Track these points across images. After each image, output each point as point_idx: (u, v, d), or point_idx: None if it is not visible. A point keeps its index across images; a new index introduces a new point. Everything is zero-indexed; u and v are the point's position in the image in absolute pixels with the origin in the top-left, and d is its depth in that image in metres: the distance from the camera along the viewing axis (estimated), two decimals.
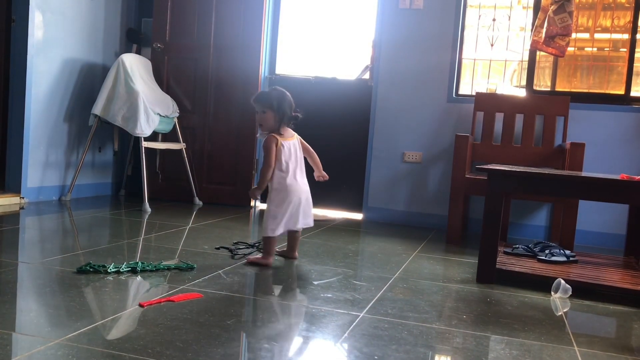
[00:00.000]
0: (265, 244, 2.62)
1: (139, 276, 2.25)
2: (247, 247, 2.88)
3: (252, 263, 2.60)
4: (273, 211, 2.59)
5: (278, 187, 2.59)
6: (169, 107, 4.28)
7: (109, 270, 2.24)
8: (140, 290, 2.13)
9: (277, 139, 2.59)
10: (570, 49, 3.93)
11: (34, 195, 3.95)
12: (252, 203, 4.49)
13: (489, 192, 2.55)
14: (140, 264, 2.34)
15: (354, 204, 4.48)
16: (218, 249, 2.86)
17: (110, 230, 3.36)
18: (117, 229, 3.40)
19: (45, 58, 3.95)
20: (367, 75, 4.47)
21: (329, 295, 2.17)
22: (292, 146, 2.64)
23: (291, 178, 2.60)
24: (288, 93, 2.65)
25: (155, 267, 2.35)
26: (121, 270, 2.27)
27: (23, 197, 3.84)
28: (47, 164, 4.06)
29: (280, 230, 2.59)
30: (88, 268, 2.24)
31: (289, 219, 2.60)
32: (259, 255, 2.66)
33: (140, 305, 1.87)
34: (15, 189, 3.84)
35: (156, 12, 4.51)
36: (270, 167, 2.57)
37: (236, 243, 2.89)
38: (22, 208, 3.71)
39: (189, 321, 1.76)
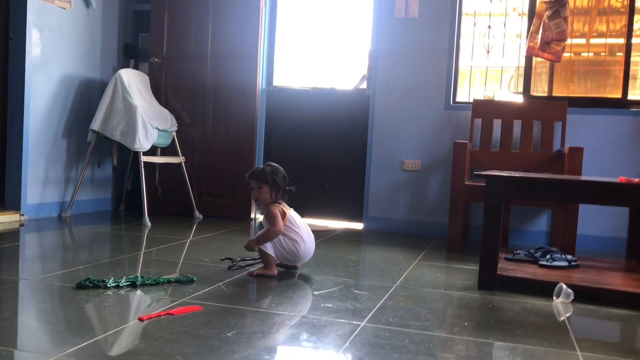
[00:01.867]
0: (264, 256, 2.62)
1: (138, 290, 2.24)
2: (252, 260, 2.86)
3: (257, 275, 2.59)
4: (276, 242, 2.62)
5: (290, 254, 2.63)
6: (167, 121, 4.29)
7: (108, 285, 2.24)
8: (141, 304, 2.12)
9: (280, 207, 2.64)
10: (566, 54, 3.94)
11: (34, 211, 3.95)
12: (252, 215, 4.48)
13: (489, 199, 2.55)
14: (139, 278, 2.33)
15: (354, 214, 4.48)
16: (223, 259, 2.86)
17: (111, 245, 3.36)
18: (117, 244, 3.40)
19: (43, 75, 3.97)
20: (364, 85, 4.49)
21: (330, 305, 2.17)
22: (295, 214, 2.70)
23: (305, 243, 2.64)
24: (281, 168, 2.72)
25: (155, 280, 2.34)
26: (121, 284, 2.26)
27: (23, 214, 3.84)
28: (46, 180, 4.06)
29: (278, 256, 2.63)
30: (87, 283, 2.23)
31: (285, 258, 2.66)
32: (261, 268, 2.65)
33: (140, 320, 1.86)
34: (15, 206, 3.84)
35: (153, 27, 4.53)
36: (279, 228, 2.58)
37: (243, 259, 2.87)
38: (22, 225, 3.71)
39: (189, 334, 1.75)
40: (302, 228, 2.67)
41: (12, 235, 3.39)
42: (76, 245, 3.29)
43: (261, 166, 2.75)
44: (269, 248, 2.61)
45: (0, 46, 4.38)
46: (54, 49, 4.05)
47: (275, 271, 2.62)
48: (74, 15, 4.21)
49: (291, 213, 2.67)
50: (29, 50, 3.81)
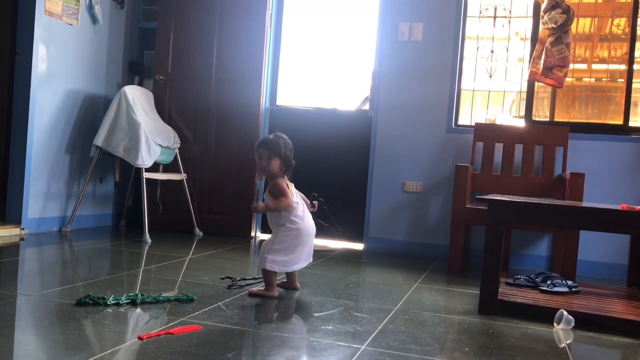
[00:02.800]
0: (265, 276, 2.61)
1: (138, 308, 2.23)
2: (252, 280, 2.85)
3: (256, 295, 2.58)
4: (276, 248, 2.58)
5: (291, 228, 2.59)
6: (170, 138, 4.30)
7: (108, 302, 2.23)
8: (140, 322, 2.11)
9: (285, 181, 2.60)
10: (568, 80, 3.97)
11: (35, 226, 3.95)
12: (253, 233, 4.47)
13: (490, 222, 2.55)
14: (139, 295, 2.32)
15: (355, 234, 4.47)
16: (223, 278, 2.85)
17: (111, 261, 3.35)
18: (117, 260, 3.39)
19: (48, 90, 3.99)
20: (367, 106, 4.51)
21: (330, 327, 2.16)
22: (297, 192, 2.67)
23: (304, 221, 2.62)
24: (289, 140, 2.66)
25: (154, 299, 2.34)
26: (121, 302, 2.25)
27: (23, 228, 3.84)
28: (48, 194, 4.07)
29: (276, 267, 2.58)
30: (87, 300, 2.22)
31: (290, 261, 2.61)
32: (262, 288, 2.64)
33: (140, 338, 1.86)
34: (16, 220, 3.84)
35: (158, 45, 4.57)
36: (290, 201, 2.54)
37: (243, 279, 2.86)
38: (22, 239, 3.70)
39: (188, 354, 1.74)
40: (300, 205, 2.62)
41: (12, 250, 3.38)
42: (76, 261, 3.28)
43: (271, 135, 2.65)
44: (272, 261, 2.56)
45: (7, 60, 4.40)
46: (59, 64, 4.08)
47: (275, 292, 2.60)
48: (80, 32, 4.25)
49: (293, 190, 2.63)
50: (35, 65, 3.84)
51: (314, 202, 2.76)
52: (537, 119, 4.12)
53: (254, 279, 2.86)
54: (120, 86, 4.53)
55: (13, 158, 3.89)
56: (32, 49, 3.82)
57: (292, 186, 2.63)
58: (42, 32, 3.89)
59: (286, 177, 2.63)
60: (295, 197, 2.63)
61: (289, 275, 2.73)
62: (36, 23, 3.82)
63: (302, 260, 2.65)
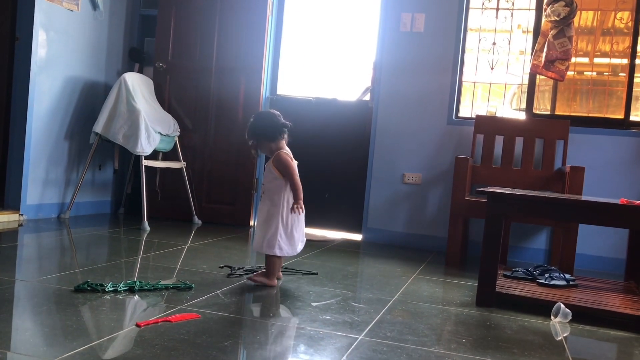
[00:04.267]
0: (270, 263, 2.57)
1: (136, 295, 2.24)
2: (251, 268, 2.85)
3: (255, 281, 2.56)
4: (284, 229, 2.54)
5: (286, 208, 2.55)
6: (170, 126, 4.29)
7: (106, 289, 2.23)
8: (138, 309, 2.11)
9: (288, 154, 2.58)
10: (569, 73, 3.96)
11: (33, 212, 3.95)
12: (252, 222, 4.48)
13: (489, 215, 2.55)
14: (138, 283, 2.33)
15: (353, 225, 4.47)
16: (222, 267, 2.85)
17: (109, 248, 3.35)
18: (115, 248, 3.39)
19: (48, 76, 3.97)
20: (367, 97, 4.50)
21: (328, 317, 2.16)
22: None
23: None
24: (270, 112, 2.63)
25: (153, 286, 2.34)
26: (119, 289, 2.25)
27: (22, 214, 3.84)
28: (47, 181, 4.06)
29: (289, 250, 2.55)
30: (86, 287, 2.22)
31: (296, 241, 2.58)
32: (262, 274, 2.61)
33: (137, 325, 1.86)
34: (15, 206, 3.83)
35: (159, 32, 4.55)
36: (296, 172, 2.54)
37: (242, 267, 2.85)
38: (20, 225, 3.70)
39: (186, 342, 1.74)
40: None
41: (10, 236, 3.38)
42: (74, 248, 3.28)
43: (251, 120, 2.62)
44: (279, 246, 2.53)
45: (6, 46, 4.38)
46: (59, 51, 4.06)
47: (275, 282, 2.59)
48: (81, 18, 4.23)
49: (294, 165, 2.60)
50: (34, 51, 3.82)
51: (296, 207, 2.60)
52: (538, 112, 4.11)
53: (253, 268, 2.86)
54: (120, 73, 4.52)
55: (12, 144, 3.88)
56: (32, 35, 3.80)
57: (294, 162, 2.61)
58: (42, 18, 3.87)
59: (284, 146, 2.59)
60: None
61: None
62: (36, 8, 3.80)
63: (301, 241, 2.63)
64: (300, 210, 2.54)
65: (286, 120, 2.60)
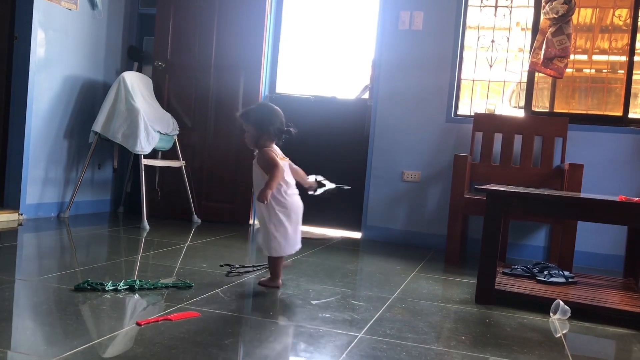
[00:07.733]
0: (272, 265, 2.55)
1: (136, 294, 2.24)
2: (252, 267, 2.85)
3: (264, 286, 2.53)
4: (275, 229, 2.48)
5: (283, 203, 2.48)
6: (169, 124, 4.29)
7: (106, 288, 2.23)
8: (138, 308, 2.12)
9: (273, 151, 2.50)
10: (568, 71, 3.96)
11: (33, 211, 3.95)
12: (251, 221, 4.48)
13: (488, 213, 2.55)
14: (138, 282, 2.33)
15: (353, 223, 4.48)
16: (222, 266, 2.85)
17: (109, 247, 3.36)
18: (115, 247, 3.39)
19: (46, 75, 3.97)
20: (366, 95, 4.50)
21: (327, 315, 2.16)
22: (285, 165, 2.56)
23: (293, 194, 2.55)
24: (275, 108, 2.56)
25: (153, 285, 2.34)
26: (119, 288, 2.26)
27: (21, 214, 3.84)
28: (46, 180, 4.06)
29: (286, 249, 2.51)
30: (86, 286, 2.23)
31: (293, 237, 2.53)
32: (268, 279, 2.58)
33: (138, 324, 1.86)
34: (14, 206, 3.84)
35: (158, 31, 4.54)
36: (279, 167, 2.42)
37: (242, 266, 2.85)
38: (20, 224, 3.70)
39: (186, 340, 1.75)
40: (290, 180, 2.53)
41: (10, 235, 3.38)
42: (74, 247, 3.29)
43: (254, 105, 2.55)
44: (276, 248, 2.49)
45: (5, 45, 4.38)
46: (58, 50, 4.06)
47: (280, 283, 2.55)
48: (79, 17, 4.22)
49: (285, 164, 2.52)
50: (33, 50, 3.82)
51: (312, 183, 2.64)
52: (536, 109, 4.12)
53: (253, 266, 2.87)
54: (119, 72, 4.52)
55: (11, 143, 3.88)
56: (31, 34, 3.80)
57: (285, 161, 2.54)
58: (41, 17, 3.87)
59: (273, 147, 2.53)
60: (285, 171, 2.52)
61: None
62: (35, 7, 3.80)
63: (299, 241, 2.57)
64: (263, 199, 2.39)
65: (287, 127, 2.53)
